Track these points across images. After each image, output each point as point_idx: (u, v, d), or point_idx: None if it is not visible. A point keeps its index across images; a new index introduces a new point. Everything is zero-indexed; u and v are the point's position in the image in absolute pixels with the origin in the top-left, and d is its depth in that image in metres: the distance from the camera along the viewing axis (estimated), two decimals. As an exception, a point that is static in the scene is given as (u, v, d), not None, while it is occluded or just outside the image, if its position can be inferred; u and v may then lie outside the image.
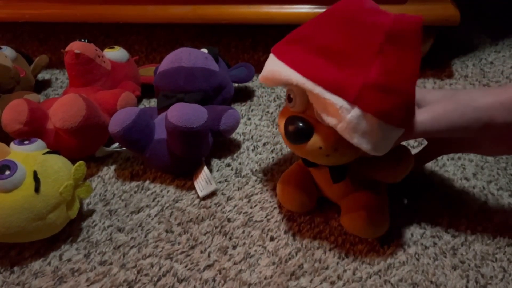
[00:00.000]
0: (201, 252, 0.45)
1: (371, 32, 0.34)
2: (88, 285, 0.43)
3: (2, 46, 0.68)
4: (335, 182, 0.42)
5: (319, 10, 0.65)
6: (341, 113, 0.34)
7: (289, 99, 0.40)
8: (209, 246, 0.46)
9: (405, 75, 0.35)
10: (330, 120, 0.35)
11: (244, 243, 0.46)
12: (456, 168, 0.53)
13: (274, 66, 0.39)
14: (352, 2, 0.36)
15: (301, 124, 0.37)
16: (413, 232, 0.46)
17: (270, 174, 0.54)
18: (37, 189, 0.42)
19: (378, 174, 0.42)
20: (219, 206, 0.50)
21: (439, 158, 0.54)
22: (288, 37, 0.40)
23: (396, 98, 0.35)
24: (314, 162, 0.41)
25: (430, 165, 0.53)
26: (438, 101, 0.39)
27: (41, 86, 0.75)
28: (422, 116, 0.38)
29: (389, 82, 0.34)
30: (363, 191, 0.44)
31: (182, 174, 0.54)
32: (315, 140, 0.37)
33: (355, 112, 0.34)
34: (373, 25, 0.34)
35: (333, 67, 0.35)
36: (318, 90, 0.34)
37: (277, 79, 0.38)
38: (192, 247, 0.46)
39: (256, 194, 0.51)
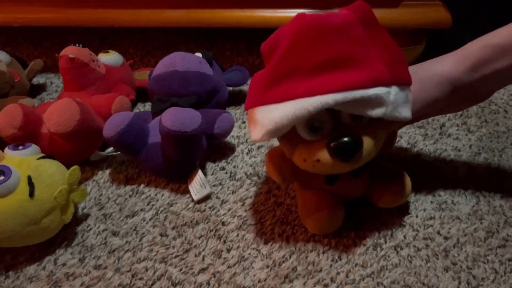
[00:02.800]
0: (196, 255, 0.45)
1: (348, 30, 0.36)
2: (82, 290, 0.43)
3: (-4, 51, 0.68)
4: (357, 176, 0.44)
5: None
6: (386, 99, 0.36)
7: (313, 130, 0.37)
8: (203, 250, 0.46)
9: (394, 45, 0.39)
10: (377, 112, 0.36)
11: (238, 246, 0.46)
12: (449, 170, 0.53)
13: (284, 110, 0.36)
14: (308, 19, 0.36)
15: (348, 138, 0.36)
16: (406, 234, 0.46)
17: (265, 177, 0.54)
18: (31, 194, 0.43)
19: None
20: (213, 209, 0.50)
21: (432, 159, 0.55)
22: (260, 85, 0.38)
23: (404, 64, 0.39)
24: (336, 176, 0.43)
25: (422, 167, 0.54)
26: None
27: (36, 90, 0.75)
28: None
29: (393, 55, 0.38)
30: (382, 169, 0.46)
31: (177, 178, 0.54)
32: (368, 142, 0.37)
33: (394, 90, 0.36)
34: (344, 24, 0.36)
35: (351, 70, 0.35)
36: (360, 93, 0.35)
37: (301, 118, 0.35)
38: (187, 251, 0.46)
39: (251, 197, 0.51)
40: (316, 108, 0.35)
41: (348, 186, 0.45)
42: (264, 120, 0.37)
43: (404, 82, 0.38)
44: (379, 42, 0.37)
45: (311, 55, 0.35)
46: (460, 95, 0.43)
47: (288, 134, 0.38)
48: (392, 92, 0.36)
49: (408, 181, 0.46)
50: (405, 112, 0.38)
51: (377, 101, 0.35)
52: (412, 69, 0.41)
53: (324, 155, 0.37)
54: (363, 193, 0.47)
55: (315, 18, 0.36)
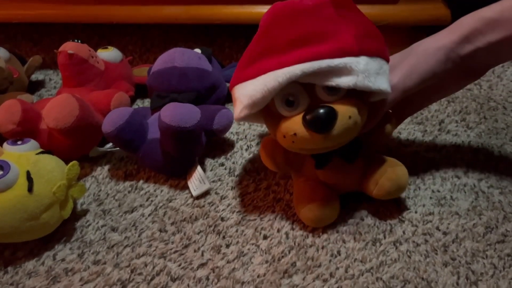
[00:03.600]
0: (195, 251, 0.45)
1: (320, 10, 0.38)
2: (82, 285, 0.43)
3: (-5, 47, 0.68)
4: (352, 161, 0.44)
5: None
6: (354, 68, 0.36)
7: (288, 104, 0.39)
8: (202, 245, 0.46)
9: (368, 22, 0.40)
10: (347, 81, 0.36)
11: (238, 242, 0.46)
12: (448, 166, 0.53)
13: (257, 84, 0.38)
14: (281, 5, 0.39)
15: (322, 109, 0.37)
16: (405, 230, 0.46)
17: (264, 173, 0.54)
18: (30, 189, 0.43)
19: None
20: (212, 205, 0.50)
21: (432, 155, 0.55)
22: (240, 65, 0.41)
23: (377, 38, 0.40)
24: (326, 159, 0.43)
25: (421, 163, 0.54)
26: (401, 62, 0.43)
27: (35, 86, 0.75)
28: (395, 79, 0.42)
29: (365, 29, 0.39)
30: (378, 159, 0.46)
31: (176, 174, 0.54)
32: (342, 112, 0.37)
33: (363, 59, 0.37)
34: (317, 6, 0.38)
35: (319, 44, 0.36)
36: (326, 62, 0.36)
37: (272, 89, 0.37)
38: (186, 246, 0.46)
39: (250, 193, 0.51)
40: (285, 78, 0.36)
41: (341, 175, 0.45)
42: (241, 97, 0.40)
43: (375, 53, 0.38)
44: (351, 19, 0.38)
45: (283, 34, 0.38)
46: (456, 68, 0.43)
47: (270, 113, 0.40)
48: (361, 62, 0.37)
49: (404, 171, 0.45)
50: (381, 83, 0.38)
51: (346, 70, 0.36)
52: (408, 49, 0.43)
53: (300, 128, 0.38)
54: (357, 185, 0.47)
55: (288, 3, 0.39)
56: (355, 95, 0.38)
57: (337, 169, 0.45)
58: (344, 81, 0.36)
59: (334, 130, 0.37)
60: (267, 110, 0.41)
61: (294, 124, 0.38)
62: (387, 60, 0.41)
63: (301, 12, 0.38)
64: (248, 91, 0.39)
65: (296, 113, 0.39)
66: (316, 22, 0.37)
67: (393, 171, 0.45)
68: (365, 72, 0.37)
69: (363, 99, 0.40)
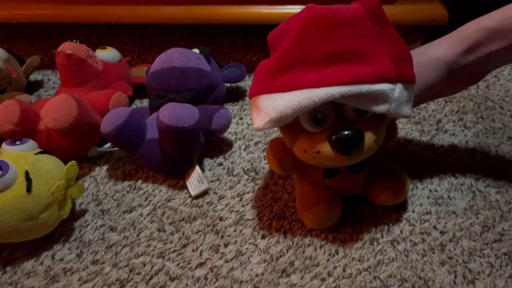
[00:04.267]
0: (193, 250, 0.45)
1: (358, 24, 0.36)
2: (80, 285, 0.43)
3: (-7, 47, 0.68)
4: (358, 172, 0.44)
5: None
6: (391, 95, 0.36)
7: (316, 121, 0.37)
8: (201, 245, 0.46)
9: (401, 41, 0.39)
10: (381, 108, 0.36)
11: (236, 241, 0.46)
12: (445, 165, 0.53)
13: (290, 99, 0.36)
14: (318, 11, 0.36)
15: (350, 131, 0.36)
16: (402, 229, 0.46)
17: (262, 173, 0.54)
18: (29, 189, 0.43)
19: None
20: (211, 205, 0.50)
21: (429, 155, 0.55)
22: (267, 72, 0.38)
23: (410, 61, 0.39)
24: (335, 170, 0.43)
25: (419, 162, 0.54)
26: None
27: (33, 86, 0.75)
28: None
29: (400, 52, 0.38)
30: (381, 167, 0.47)
31: (174, 174, 0.54)
32: (369, 137, 0.37)
33: (399, 87, 0.37)
34: (355, 18, 0.36)
35: (358, 64, 0.35)
36: (366, 87, 0.35)
37: (306, 108, 0.35)
38: (184, 246, 0.46)
39: (248, 193, 0.52)
40: (322, 99, 0.35)
41: (347, 181, 0.45)
42: (268, 108, 0.37)
43: (409, 80, 0.38)
44: (387, 38, 0.38)
45: (319, 46, 0.35)
46: (456, 77, 0.44)
47: (290, 124, 0.38)
48: (397, 89, 0.36)
49: (406, 180, 0.46)
50: (407, 110, 0.38)
51: (382, 97, 0.36)
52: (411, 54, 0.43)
53: (325, 147, 0.37)
54: (361, 190, 0.47)
55: (325, 10, 0.36)
56: (380, 116, 0.38)
57: (344, 177, 0.44)
58: (378, 108, 0.36)
59: (359, 152, 0.37)
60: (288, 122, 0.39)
61: (319, 142, 0.37)
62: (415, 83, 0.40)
63: (339, 24, 0.35)
64: (278, 105, 0.36)
65: (321, 130, 0.38)
66: (354, 38, 0.35)
67: (396, 182, 0.46)
68: (399, 100, 0.36)
69: (383, 118, 0.39)
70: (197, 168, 0.53)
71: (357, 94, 0.35)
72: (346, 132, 0.36)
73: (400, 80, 0.37)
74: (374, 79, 0.35)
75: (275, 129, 0.60)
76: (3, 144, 0.47)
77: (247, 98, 0.68)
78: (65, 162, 0.48)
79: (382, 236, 0.46)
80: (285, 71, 0.37)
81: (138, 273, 0.43)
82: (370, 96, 0.35)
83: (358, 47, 0.35)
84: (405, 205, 0.49)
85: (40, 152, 0.47)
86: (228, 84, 0.70)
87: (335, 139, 0.36)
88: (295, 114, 0.36)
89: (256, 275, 0.43)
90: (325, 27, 0.35)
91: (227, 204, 0.50)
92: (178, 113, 0.48)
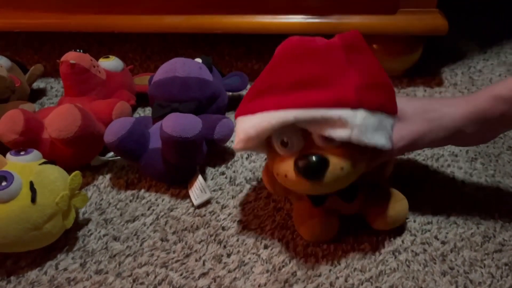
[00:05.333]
0: (196, 260, 0.46)
1: (330, 53, 0.38)
2: (84, 294, 0.43)
3: (-3, 56, 0.68)
4: (350, 201, 0.44)
5: (311, 20, 0.66)
6: (350, 122, 0.35)
7: (282, 144, 0.38)
8: (204, 254, 0.46)
9: (377, 70, 0.40)
10: (341, 134, 0.36)
11: (239, 251, 0.46)
12: (445, 175, 0.54)
13: (254, 121, 0.38)
14: (294, 41, 0.39)
15: (314, 157, 0.37)
16: (404, 239, 0.46)
17: (264, 182, 0.54)
18: (33, 200, 0.43)
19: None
20: (213, 214, 0.51)
21: (430, 164, 0.55)
22: (246, 97, 0.41)
23: (383, 90, 0.39)
24: (322, 198, 0.43)
25: (419, 172, 0.54)
26: (413, 119, 0.43)
27: (36, 95, 0.75)
28: (405, 132, 0.42)
29: (370, 79, 0.38)
30: (380, 191, 0.46)
31: (177, 183, 0.55)
32: (334, 164, 0.37)
33: (361, 114, 0.36)
34: (327, 48, 0.38)
35: (319, 90, 0.36)
36: (321, 112, 0.35)
37: (265, 129, 0.37)
38: (187, 256, 0.46)
39: (250, 202, 0.52)
40: (278, 122, 0.36)
41: (341, 206, 0.45)
42: (239, 130, 0.40)
43: (375, 107, 0.37)
44: (359, 66, 0.38)
45: (288, 74, 0.38)
46: (466, 139, 0.45)
47: (270, 148, 0.41)
48: (358, 116, 0.36)
49: (405, 206, 0.46)
50: (378, 140, 0.37)
51: (340, 123, 0.35)
52: (422, 107, 0.43)
53: (290, 171, 0.38)
54: (358, 211, 0.47)
55: (302, 41, 0.38)
56: (352, 145, 0.37)
57: (336, 203, 0.45)
58: (338, 134, 0.36)
59: (324, 180, 0.37)
60: (268, 144, 0.41)
61: (286, 166, 0.38)
62: (392, 113, 0.39)
63: (311, 53, 0.37)
64: (245, 127, 0.39)
65: (290, 154, 0.38)
66: (322, 66, 0.37)
67: (393, 208, 0.45)
68: (362, 127, 0.36)
69: (357, 146, 0.37)
70: (200, 177, 0.53)
71: (313, 118, 0.36)
72: (310, 158, 0.37)
73: (364, 106, 0.36)
74: (330, 104, 0.35)
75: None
76: (8, 155, 0.47)
77: (248, 107, 0.69)
78: (68, 171, 0.48)
79: (384, 246, 0.46)
80: (258, 96, 0.39)
81: (142, 283, 0.44)
82: (328, 121, 0.36)
83: (322, 74, 0.37)
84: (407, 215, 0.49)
85: (44, 162, 0.47)
86: (230, 93, 0.70)
87: (299, 164, 0.37)
88: (258, 135, 0.38)
89: (259, 286, 0.43)
90: (296, 55, 0.38)
91: (229, 214, 0.51)
92: (181, 124, 0.48)
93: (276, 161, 0.40)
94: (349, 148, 0.37)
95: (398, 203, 0.46)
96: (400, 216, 0.46)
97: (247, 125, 0.39)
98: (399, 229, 0.47)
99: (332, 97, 0.36)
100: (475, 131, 0.43)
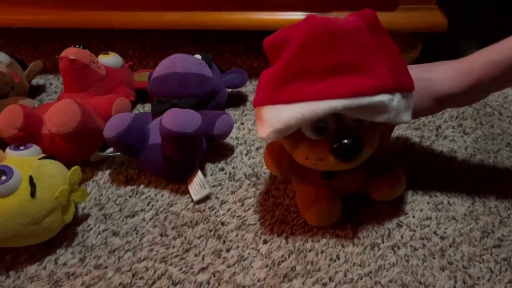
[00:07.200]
0: (195, 255, 0.46)
1: (357, 36, 0.37)
2: (83, 289, 0.43)
3: (-4, 52, 0.68)
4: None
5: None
6: (389, 105, 0.37)
7: (318, 130, 0.39)
8: (203, 249, 0.46)
9: (397, 51, 0.41)
10: (381, 118, 0.37)
11: (238, 246, 0.46)
12: (445, 171, 0.54)
13: (293, 111, 0.37)
14: (319, 22, 0.37)
15: (351, 139, 0.38)
16: (403, 234, 0.47)
17: (263, 178, 0.54)
18: (33, 194, 0.43)
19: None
20: (213, 209, 0.51)
21: (428, 161, 0.55)
22: (269, 84, 0.39)
23: (405, 69, 0.41)
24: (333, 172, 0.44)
25: (419, 168, 0.54)
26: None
27: (35, 91, 0.75)
28: None
29: (396, 61, 0.39)
30: (378, 163, 0.48)
31: (177, 179, 0.55)
32: (367, 143, 0.40)
33: (397, 97, 0.38)
34: (353, 30, 0.37)
35: (358, 76, 0.36)
36: (366, 100, 0.36)
37: (309, 119, 0.37)
38: (187, 251, 0.46)
39: (250, 197, 0.52)
40: (325, 112, 0.36)
41: (344, 180, 0.46)
42: (272, 119, 0.39)
43: (406, 88, 0.40)
44: (385, 48, 0.39)
45: (321, 58, 0.37)
46: (456, 104, 0.47)
47: (295, 134, 0.40)
48: (395, 99, 0.38)
49: (402, 175, 0.48)
50: (406, 117, 0.40)
51: (381, 108, 0.37)
52: (414, 77, 0.42)
53: (327, 155, 0.39)
54: (359, 187, 0.48)
55: (326, 22, 0.37)
56: (375, 123, 0.39)
57: (341, 176, 0.45)
58: (378, 118, 0.37)
59: (359, 159, 0.39)
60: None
61: (321, 150, 0.39)
62: (412, 90, 0.41)
63: (339, 36, 0.37)
64: (282, 117, 0.38)
65: (322, 138, 0.39)
66: (353, 50, 0.37)
67: (393, 176, 0.47)
68: (397, 109, 0.38)
69: (379, 125, 0.41)
70: (199, 173, 0.53)
71: (358, 106, 0.36)
72: (346, 141, 0.38)
73: (398, 89, 0.38)
74: (374, 91, 0.36)
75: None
76: (7, 149, 0.47)
77: (248, 104, 0.69)
78: (68, 167, 0.48)
79: (383, 241, 0.46)
80: (288, 83, 0.38)
81: (141, 278, 0.44)
82: (370, 107, 0.37)
83: (357, 59, 0.37)
84: (405, 210, 0.49)
85: (43, 157, 0.47)
86: (230, 90, 0.71)
87: (336, 147, 0.38)
88: (298, 125, 0.38)
89: (258, 280, 0.43)
90: (326, 39, 0.37)
91: (229, 209, 0.51)
92: (181, 119, 0.48)
93: (303, 145, 0.40)
94: (375, 126, 0.40)
95: (396, 171, 0.48)
96: (400, 183, 0.48)
97: (285, 115, 0.38)
98: (397, 226, 0.47)
99: (375, 84, 0.36)
100: (467, 97, 0.44)
